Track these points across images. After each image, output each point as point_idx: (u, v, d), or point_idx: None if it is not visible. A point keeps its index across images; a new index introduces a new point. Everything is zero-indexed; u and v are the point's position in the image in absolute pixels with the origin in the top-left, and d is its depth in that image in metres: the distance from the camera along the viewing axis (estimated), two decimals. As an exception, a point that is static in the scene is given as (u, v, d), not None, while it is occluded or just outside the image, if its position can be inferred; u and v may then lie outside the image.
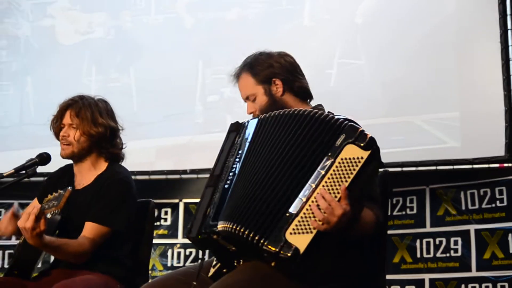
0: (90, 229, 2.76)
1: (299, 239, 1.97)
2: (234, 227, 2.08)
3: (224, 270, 2.25)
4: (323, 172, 2.01)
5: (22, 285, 2.76)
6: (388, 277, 2.48)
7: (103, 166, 2.95)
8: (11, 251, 5.09)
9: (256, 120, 2.29)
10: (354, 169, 1.99)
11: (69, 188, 2.53)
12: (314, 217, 1.97)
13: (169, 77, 5.20)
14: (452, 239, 4.37)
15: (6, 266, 5.08)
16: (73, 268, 2.75)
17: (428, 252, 4.42)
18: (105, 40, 5.49)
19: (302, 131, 2.11)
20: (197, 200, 4.94)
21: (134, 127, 5.15)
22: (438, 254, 4.39)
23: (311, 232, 1.98)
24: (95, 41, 5.52)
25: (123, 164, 3.02)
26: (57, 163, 3.02)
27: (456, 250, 4.35)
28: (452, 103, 4.45)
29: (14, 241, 5.09)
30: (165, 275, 2.45)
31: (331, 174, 2.00)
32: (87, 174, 2.94)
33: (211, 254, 2.37)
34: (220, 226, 2.12)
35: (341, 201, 1.97)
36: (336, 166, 2.00)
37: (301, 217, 1.99)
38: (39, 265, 2.94)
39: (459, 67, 4.49)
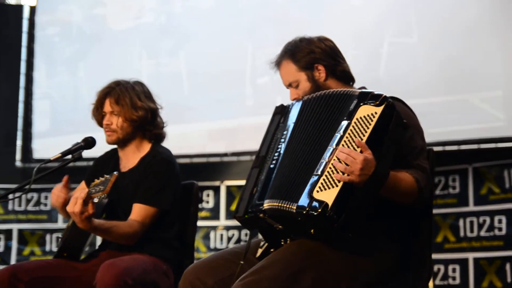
0: (138, 210, 2.81)
1: (326, 195, 2.04)
2: (279, 204, 2.12)
3: (272, 250, 2.27)
4: (341, 133, 2.10)
5: (71, 267, 2.82)
6: (432, 256, 2.48)
7: (146, 147, 2.99)
8: (59, 235, 5.19)
9: (300, 102, 2.33)
10: (369, 124, 2.09)
11: (115, 173, 2.58)
12: (337, 171, 2.04)
13: (219, 60, 5.19)
14: (496, 218, 4.32)
15: (54, 249, 5.18)
16: (121, 249, 2.80)
17: (471, 231, 4.38)
18: (155, 25, 5.52)
19: (326, 108, 2.21)
20: (239, 182, 5.04)
21: (185, 110, 5.25)
22: (482, 233, 4.35)
23: (337, 186, 2.03)
24: (146, 26, 5.55)
25: (175, 146, 3.05)
26: (101, 148, 3.07)
27: (500, 229, 4.30)
28: (496, 81, 4.38)
29: (61, 224, 5.22)
30: (212, 255, 2.47)
31: (349, 134, 2.10)
32: (132, 157, 2.99)
33: (255, 234, 2.39)
34: (266, 204, 2.16)
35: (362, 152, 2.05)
36: (353, 126, 2.10)
37: (325, 175, 2.06)
38: (87, 248, 2.99)
39: (506, 46, 4.39)
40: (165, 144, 3.07)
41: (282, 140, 2.27)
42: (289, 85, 2.52)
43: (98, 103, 2.97)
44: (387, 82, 4.39)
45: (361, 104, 2.14)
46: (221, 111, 5.17)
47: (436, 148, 2.55)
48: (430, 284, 4.25)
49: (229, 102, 5.17)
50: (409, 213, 2.34)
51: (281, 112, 2.37)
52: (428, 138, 2.42)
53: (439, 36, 4.49)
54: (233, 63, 5.19)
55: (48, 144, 5.48)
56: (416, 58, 4.56)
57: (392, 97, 2.24)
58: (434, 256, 4.32)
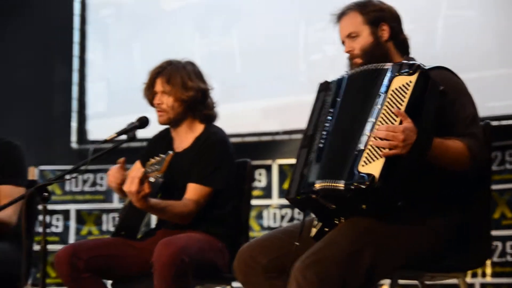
0: (193, 190, 2.83)
1: (371, 167, 2.05)
2: (329, 183, 2.13)
3: (326, 229, 2.27)
4: (379, 106, 2.12)
5: (129, 245, 2.87)
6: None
7: (199, 128, 3.00)
8: (115, 215, 5.27)
9: (343, 77, 2.32)
10: (406, 94, 2.09)
11: (170, 152, 2.60)
12: (379, 148, 2.05)
13: (271, 38, 5.15)
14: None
15: (110, 229, 5.26)
16: (177, 228, 2.83)
17: (529, 206, 4.30)
18: (207, 4, 5.51)
19: (365, 83, 2.23)
20: (291, 160, 5.02)
21: (238, 89, 5.24)
22: (541, 209, 4.27)
23: (381, 157, 2.04)
24: (198, 5, 5.55)
25: (228, 125, 3.06)
26: (154, 128, 3.09)
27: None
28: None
29: (117, 204, 5.29)
30: (265, 235, 2.49)
31: (386, 106, 2.11)
32: (185, 137, 3.01)
33: (308, 214, 2.39)
34: (318, 185, 2.16)
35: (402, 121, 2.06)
36: (389, 97, 2.11)
37: (369, 149, 2.07)
38: (143, 227, 3.03)
39: None
40: (218, 123, 3.08)
41: (329, 117, 2.26)
42: (347, 36, 2.47)
43: (149, 83, 2.99)
44: (443, 57, 4.29)
45: (395, 75, 2.14)
46: (274, 89, 5.14)
47: (493, 123, 2.50)
48: (488, 261, 4.19)
49: (282, 79, 5.13)
50: (464, 183, 2.31)
51: (325, 89, 2.35)
52: (485, 112, 2.39)
53: (496, 8, 4.38)
54: (285, 40, 5.14)
55: (103, 126, 5.54)
56: (473, 31, 4.46)
57: (438, 66, 2.25)
58: (492, 232, 4.28)
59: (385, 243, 2.17)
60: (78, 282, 2.71)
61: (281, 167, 5.13)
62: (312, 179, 2.19)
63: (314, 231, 2.29)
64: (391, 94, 2.12)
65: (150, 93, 2.99)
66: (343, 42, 2.50)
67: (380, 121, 2.10)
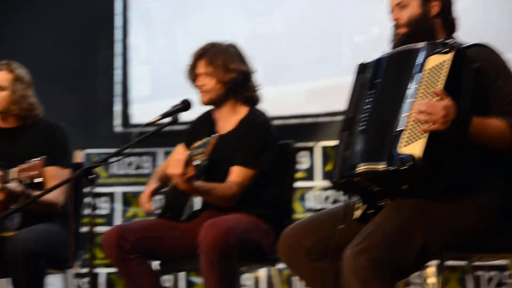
0: (236, 172, 2.84)
1: (412, 147, 2.03)
2: (371, 166, 2.12)
3: (370, 211, 2.26)
4: (416, 86, 2.11)
5: (174, 227, 2.89)
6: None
7: (243, 110, 3.00)
8: (160, 197, 5.30)
9: (381, 58, 2.31)
10: (442, 73, 2.07)
11: (215, 135, 2.61)
12: (419, 124, 2.04)
13: (315, 19, 5.12)
14: None
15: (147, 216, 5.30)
16: (222, 210, 2.84)
17: None
18: (250, -15, 5.50)
19: (401, 64, 2.21)
20: (333, 142, 4.96)
21: (282, 70, 5.22)
22: None
23: (422, 137, 2.03)
24: None
25: (271, 107, 3.06)
26: (198, 111, 3.11)
27: None
28: None
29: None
30: (309, 217, 2.49)
31: (423, 85, 2.09)
32: (228, 119, 3.01)
33: (352, 197, 2.38)
34: (360, 168, 2.15)
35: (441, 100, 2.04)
36: (425, 77, 2.10)
37: (409, 129, 2.06)
38: (187, 209, 3.05)
39: None
40: (261, 105, 3.07)
41: (369, 99, 2.24)
42: (396, 5, 2.43)
43: (192, 64, 3.01)
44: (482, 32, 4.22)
45: (430, 54, 2.12)
46: (317, 71, 5.11)
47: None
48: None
49: (325, 61, 5.10)
50: (508, 161, 2.27)
51: (364, 70, 2.33)
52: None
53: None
54: (329, 22, 5.10)
55: (146, 109, 5.56)
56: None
57: (476, 44, 2.23)
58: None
59: (434, 223, 2.14)
60: (126, 263, 2.75)
61: (324, 149, 5.10)
62: (354, 162, 2.18)
63: (358, 213, 2.28)
64: (427, 74, 2.10)
65: (192, 74, 3.01)
66: (392, 11, 2.46)
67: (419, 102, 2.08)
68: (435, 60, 2.11)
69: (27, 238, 2.89)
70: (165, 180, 3.03)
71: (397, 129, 2.08)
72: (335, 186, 2.28)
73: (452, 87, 2.07)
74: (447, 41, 2.16)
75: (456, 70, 2.09)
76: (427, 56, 2.14)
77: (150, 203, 2.91)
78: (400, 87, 2.15)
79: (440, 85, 2.06)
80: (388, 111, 2.16)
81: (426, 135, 2.03)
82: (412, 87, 2.11)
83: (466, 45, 2.22)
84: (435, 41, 2.19)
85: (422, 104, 2.05)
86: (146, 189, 2.99)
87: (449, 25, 2.43)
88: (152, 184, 3.02)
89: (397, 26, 2.42)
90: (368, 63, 2.34)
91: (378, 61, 2.31)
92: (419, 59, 2.15)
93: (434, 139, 2.03)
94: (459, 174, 2.12)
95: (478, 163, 2.21)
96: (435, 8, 2.39)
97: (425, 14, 2.39)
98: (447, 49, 2.10)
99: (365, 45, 4.94)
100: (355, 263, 2.04)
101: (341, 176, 2.22)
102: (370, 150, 2.16)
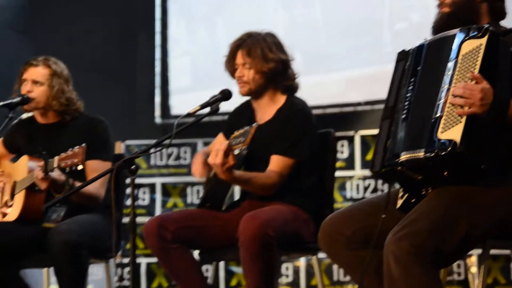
0: (276, 162, 2.83)
1: (452, 133, 2.01)
2: (413, 154, 2.09)
3: (413, 200, 2.23)
4: (451, 72, 2.08)
5: (214, 217, 2.89)
6: None
7: (281, 99, 2.98)
8: (199, 188, 5.33)
9: (422, 45, 2.26)
10: (477, 57, 2.04)
11: (254, 124, 2.58)
12: (457, 108, 2.02)
13: (355, 8, 5.10)
14: None
15: (195, 201, 5.33)
16: (262, 199, 2.84)
17: None
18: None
19: (438, 50, 2.18)
20: (373, 131, 4.94)
21: (322, 59, 5.20)
22: None
23: (460, 122, 2.00)
24: None
25: (312, 95, 3.03)
26: (237, 102, 3.10)
27: None
28: None
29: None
30: (349, 206, 2.47)
31: (458, 71, 2.07)
32: (267, 109, 2.99)
33: (393, 185, 2.35)
34: (403, 157, 2.12)
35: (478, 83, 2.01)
36: (460, 63, 2.07)
37: (446, 114, 2.04)
38: (228, 199, 3.05)
39: None
40: (301, 94, 3.05)
41: (410, 87, 2.20)
42: None
43: (230, 55, 2.99)
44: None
45: (465, 39, 2.09)
46: (357, 59, 5.08)
47: None
48: None
49: (365, 50, 5.07)
50: None
51: (404, 58, 2.29)
52: None
53: None
54: (370, 10, 5.07)
55: (186, 100, 5.58)
56: None
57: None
58: None
59: (477, 210, 2.11)
60: (167, 252, 2.76)
61: (363, 138, 5.06)
62: (396, 151, 2.15)
63: (400, 202, 2.26)
64: (463, 59, 2.08)
65: (231, 65, 2.99)
66: None
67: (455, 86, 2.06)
68: (469, 45, 2.08)
69: (69, 229, 2.92)
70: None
71: (436, 115, 2.06)
72: (377, 176, 2.25)
73: (488, 70, 2.04)
74: (482, 25, 2.12)
75: (492, 53, 2.06)
76: (462, 41, 2.11)
77: (202, 170, 2.92)
78: (438, 74, 2.12)
79: (476, 69, 2.04)
80: (427, 99, 2.13)
81: (463, 119, 2.00)
82: (448, 73, 2.09)
83: (503, 29, 2.18)
84: (470, 26, 2.14)
85: (458, 88, 2.02)
86: (196, 158, 3.00)
87: (496, 11, 2.37)
88: (200, 157, 3.01)
89: (440, 5, 2.37)
90: (408, 50, 2.30)
91: (418, 48, 2.27)
92: (454, 45, 2.12)
93: (472, 123, 2.00)
94: (501, 158, 2.09)
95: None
96: None
97: None
98: (481, 34, 2.08)
99: (405, 32, 4.90)
100: (397, 249, 2.02)
101: (382, 166, 2.18)
102: (411, 139, 2.13)
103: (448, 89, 2.06)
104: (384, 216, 2.20)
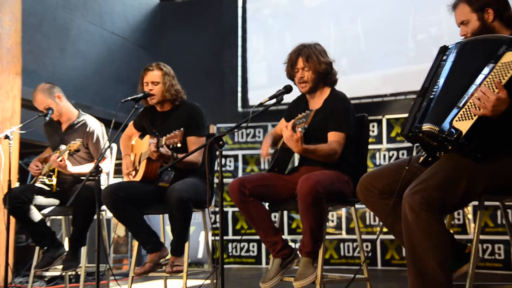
0: (333, 136, 2.73)
1: (462, 124, 1.90)
2: (431, 127, 2.01)
3: (430, 159, 2.17)
4: (485, 74, 1.92)
5: (280, 178, 2.84)
6: None
7: (327, 91, 2.89)
8: (269, 158, 5.31)
9: (459, 43, 2.14)
10: (510, 70, 1.86)
11: (314, 109, 2.50)
12: (474, 106, 1.88)
13: (387, 23, 5.18)
14: None
15: (266, 167, 5.31)
16: (314, 165, 2.76)
17: None
18: (338, 0, 5.63)
19: (479, 51, 2.02)
20: (396, 115, 4.90)
21: (362, 62, 5.31)
22: None
23: (472, 118, 1.89)
24: (332, 1, 5.70)
25: (356, 90, 2.93)
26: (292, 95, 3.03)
27: None
28: None
29: (270, 150, 5.33)
30: (380, 167, 2.40)
31: (491, 75, 1.90)
32: (317, 99, 2.90)
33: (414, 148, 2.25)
34: (424, 127, 2.04)
35: (498, 92, 1.84)
36: (496, 69, 1.90)
37: (465, 108, 1.92)
38: (290, 165, 2.99)
39: None
40: (347, 88, 2.94)
41: (442, 74, 2.08)
42: (461, 23, 2.25)
43: (291, 61, 2.88)
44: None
45: (510, 49, 1.89)
46: (389, 61, 5.14)
47: None
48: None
49: (395, 55, 5.11)
50: None
51: (444, 51, 2.17)
52: None
53: None
54: (398, 25, 5.15)
55: (262, 94, 5.66)
56: None
57: None
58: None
59: (477, 171, 2.01)
60: (245, 204, 2.73)
61: (388, 120, 5.00)
62: (421, 122, 2.06)
63: (421, 159, 2.21)
64: (499, 66, 1.90)
65: (292, 69, 2.89)
66: (459, 26, 2.27)
67: (480, 88, 1.90)
68: (510, 56, 1.90)
69: (181, 188, 2.94)
70: (275, 140, 2.97)
71: (458, 105, 1.94)
72: (404, 137, 2.16)
73: None
74: None
75: None
76: (506, 50, 1.91)
77: (267, 151, 2.88)
78: (473, 70, 1.97)
79: (505, 80, 1.86)
80: (456, 88, 2.00)
81: (475, 118, 1.89)
82: (484, 74, 1.92)
83: None
84: None
85: (480, 91, 1.88)
86: (264, 142, 2.94)
87: (508, 21, 2.20)
88: (268, 140, 2.96)
89: (464, 37, 2.23)
90: (448, 46, 2.18)
91: (457, 45, 2.14)
92: (500, 51, 1.93)
93: (481, 123, 1.88)
94: (496, 149, 1.96)
95: None
96: (490, 16, 2.18)
97: (483, 24, 2.18)
98: None
99: (425, 42, 4.97)
100: (411, 200, 1.96)
101: (410, 130, 2.10)
102: (433, 115, 2.03)
103: (476, 88, 1.91)
104: (407, 168, 2.15)
